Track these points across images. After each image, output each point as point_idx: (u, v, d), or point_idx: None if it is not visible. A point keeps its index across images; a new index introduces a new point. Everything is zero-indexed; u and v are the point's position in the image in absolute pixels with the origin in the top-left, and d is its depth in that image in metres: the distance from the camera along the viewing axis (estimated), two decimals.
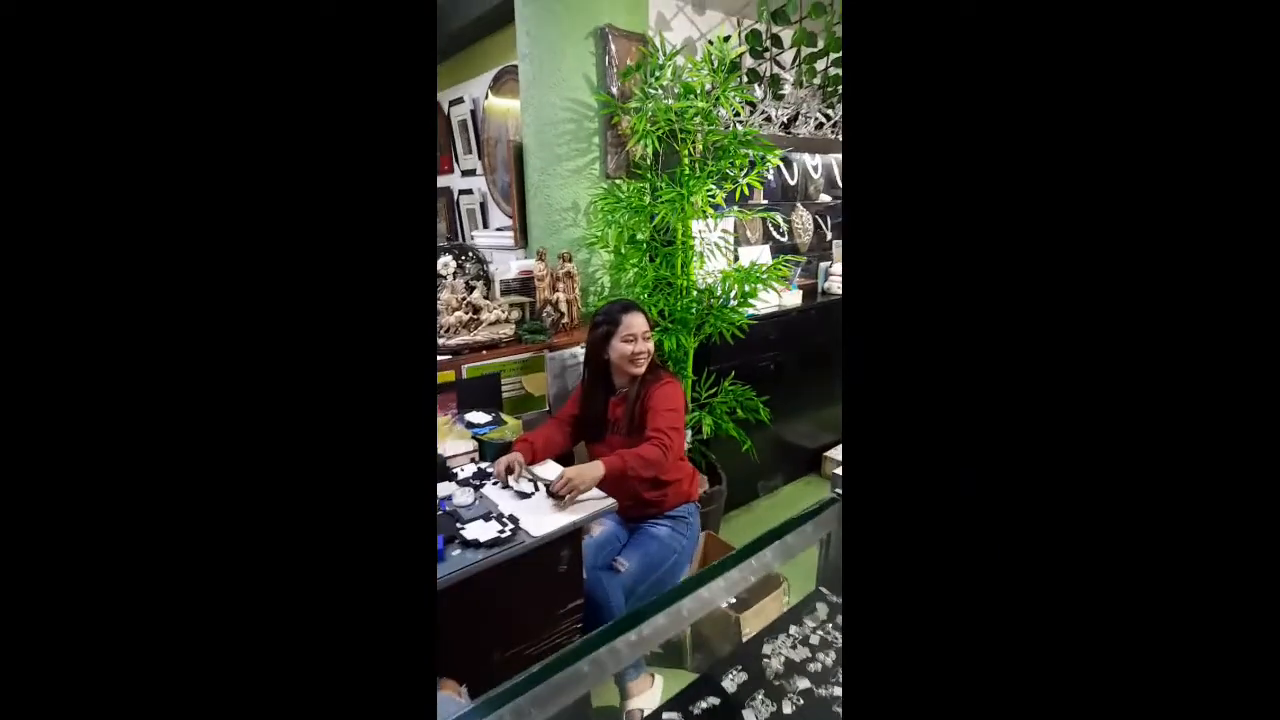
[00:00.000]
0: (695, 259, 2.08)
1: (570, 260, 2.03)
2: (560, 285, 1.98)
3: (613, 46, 2.09)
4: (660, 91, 2.02)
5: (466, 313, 1.66)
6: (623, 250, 2.08)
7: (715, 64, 1.89)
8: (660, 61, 1.99)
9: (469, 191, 3.50)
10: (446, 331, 1.63)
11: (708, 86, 1.92)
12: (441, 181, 3.85)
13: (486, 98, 3.09)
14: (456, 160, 3.60)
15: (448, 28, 3.09)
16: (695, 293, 2.09)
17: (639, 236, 2.13)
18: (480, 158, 3.30)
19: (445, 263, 1.64)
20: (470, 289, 1.69)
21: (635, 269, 2.11)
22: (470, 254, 1.72)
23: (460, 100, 3.34)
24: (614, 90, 2.12)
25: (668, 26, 2.80)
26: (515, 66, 2.77)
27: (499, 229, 3.09)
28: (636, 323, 1.51)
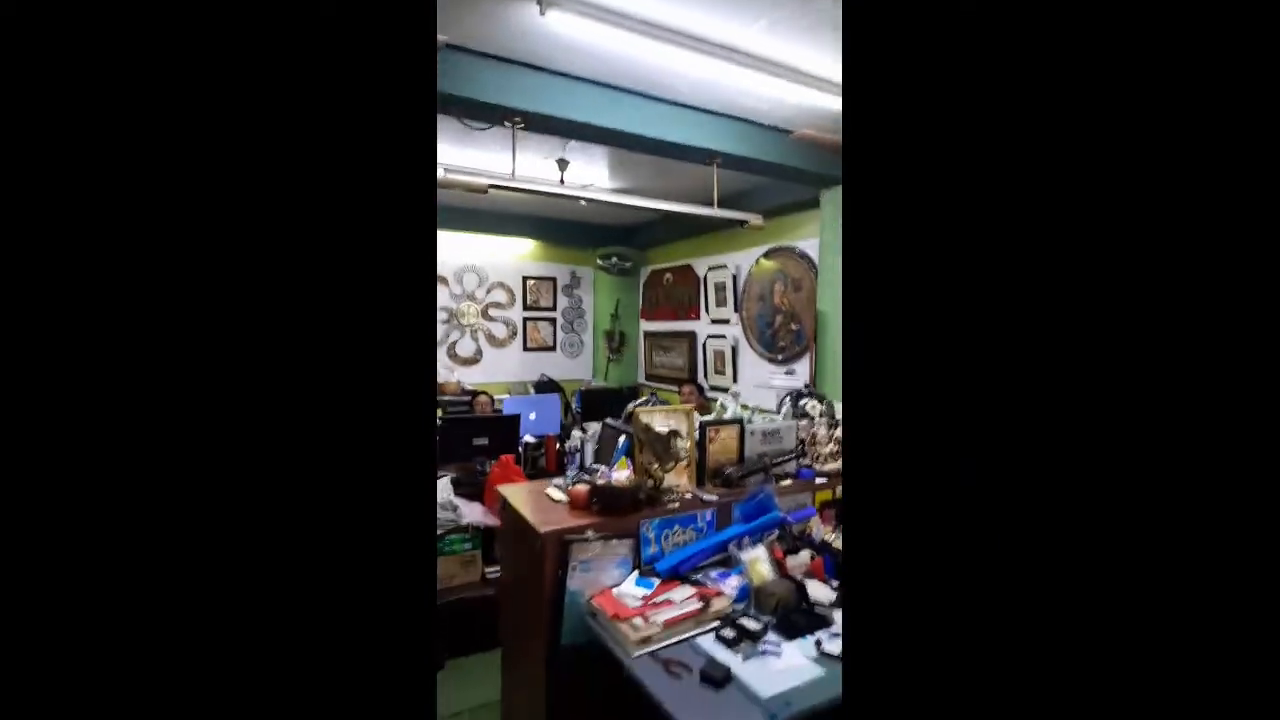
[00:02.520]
0: None
1: None
2: None
3: None
4: None
5: (832, 444, 2.18)
6: None
7: None
8: None
9: (720, 336, 4.25)
10: (821, 459, 2.14)
11: None
12: (686, 326, 4.67)
13: (756, 263, 3.86)
14: (706, 310, 4.40)
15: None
16: None
17: None
18: (737, 310, 4.06)
19: (816, 406, 2.20)
20: (829, 423, 2.22)
21: None
22: (824, 399, 2.27)
23: (722, 266, 4.17)
24: None
25: None
26: (789, 247, 3.53)
27: (784, 373, 3.65)
28: None
